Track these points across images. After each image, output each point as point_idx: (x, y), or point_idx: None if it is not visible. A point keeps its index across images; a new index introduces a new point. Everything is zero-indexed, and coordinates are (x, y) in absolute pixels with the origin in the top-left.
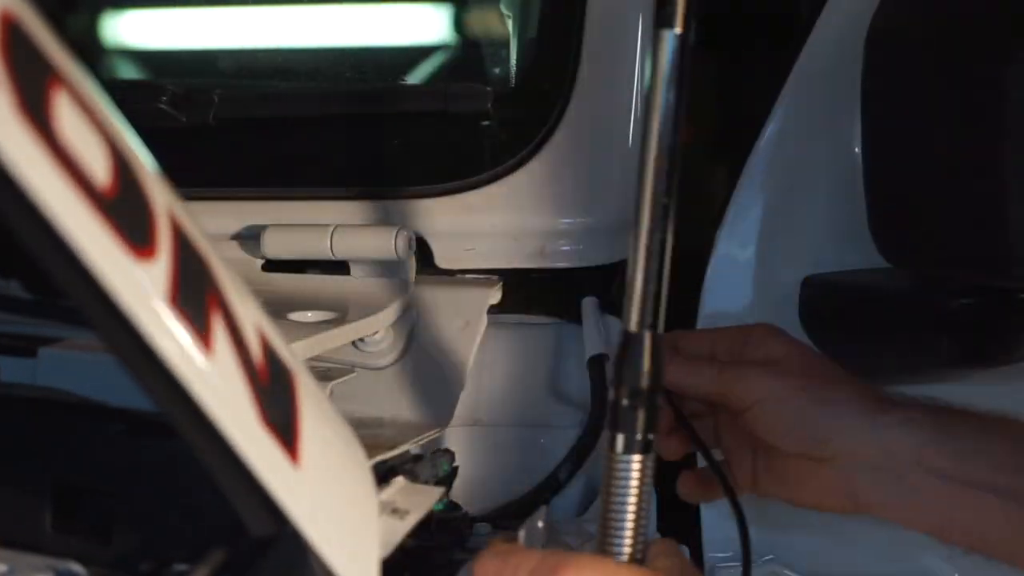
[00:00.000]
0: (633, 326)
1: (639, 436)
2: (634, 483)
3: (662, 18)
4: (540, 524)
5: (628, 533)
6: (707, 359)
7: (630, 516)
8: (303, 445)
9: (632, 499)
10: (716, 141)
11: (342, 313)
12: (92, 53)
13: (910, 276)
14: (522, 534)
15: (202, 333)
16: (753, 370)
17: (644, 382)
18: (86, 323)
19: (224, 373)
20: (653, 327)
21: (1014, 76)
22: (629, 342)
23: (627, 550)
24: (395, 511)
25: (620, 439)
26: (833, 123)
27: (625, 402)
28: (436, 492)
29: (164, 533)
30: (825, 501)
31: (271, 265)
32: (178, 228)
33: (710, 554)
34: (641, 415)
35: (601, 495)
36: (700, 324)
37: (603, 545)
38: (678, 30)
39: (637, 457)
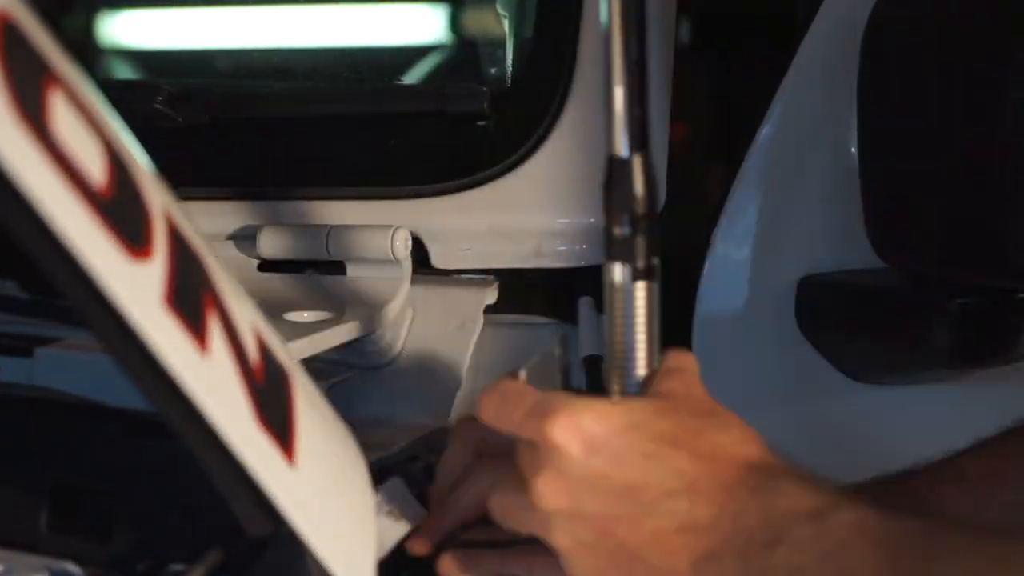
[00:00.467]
0: (621, 150)
1: (640, 263)
2: (641, 312)
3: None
4: (523, 374)
5: (641, 364)
6: None
7: (641, 348)
8: (299, 445)
9: (642, 330)
10: (712, 141)
11: (338, 313)
12: (88, 53)
13: (906, 276)
14: (522, 373)
15: (198, 333)
16: None
17: (640, 208)
18: (82, 323)
19: (220, 373)
20: (643, 148)
21: (1013, 75)
22: (617, 168)
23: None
24: (391, 512)
25: (619, 269)
26: (829, 123)
27: (623, 230)
28: None
29: (161, 533)
30: None
31: (267, 265)
32: (174, 228)
33: None
34: (640, 241)
35: (607, 331)
36: (696, 324)
37: (616, 382)
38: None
39: (641, 284)
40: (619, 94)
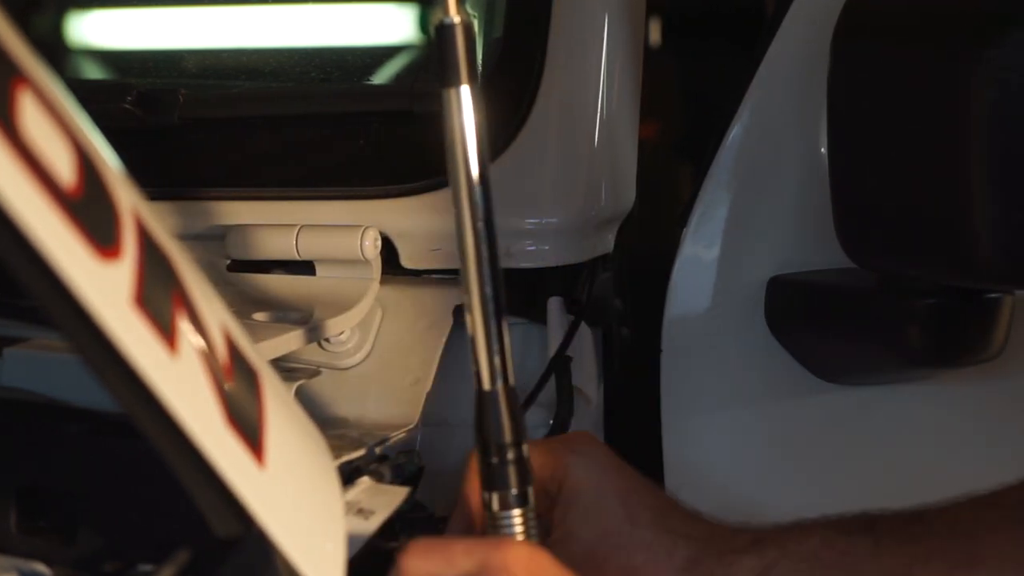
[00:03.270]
0: (485, 384)
1: (514, 490)
2: (520, 537)
3: (447, 78)
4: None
5: None
6: None
7: None
8: (268, 446)
9: None
10: (682, 140)
11: (307, 313)
12: (57, 53)
13: (876, 276)
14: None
15: (167, 334)
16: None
17: (507, 437)
18: (50, 323)
19: (189, 374)
20: (504, 381)
21: (981, 75)
22: (484, 400)
23: None
24: (360, 511)
25: (496, 498)
26: (799, 123)
27: (494, 460)
28: (402, 492)
29: (129, 534)
30: None
31: (236, 265)
32: (143, 229)
33: None
34: (512, 470)
35: None
36: (666, 324)
37: None
38: (464, 84)
39: (517, 511)
40: (479, 329)
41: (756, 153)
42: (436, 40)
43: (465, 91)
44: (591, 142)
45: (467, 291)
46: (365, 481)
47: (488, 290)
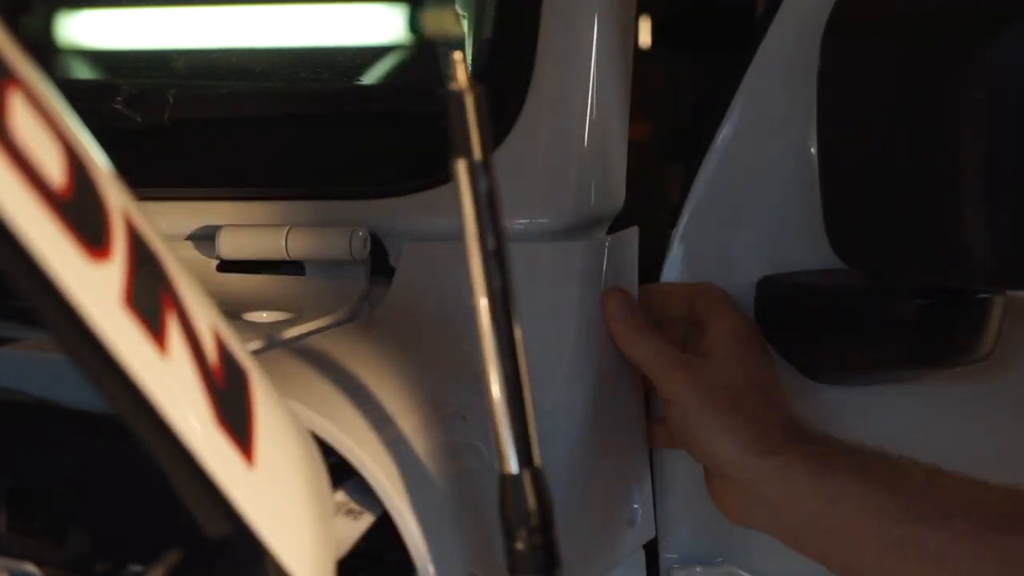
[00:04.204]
0: (510, 468)
1: (546, 575)
2: None
3: (457, 147)
4: None
5: None
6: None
7: None
8: (258, 446)
9: None
10: (671, 141)
11: (297, 313)
12: (47, 53)
13: (866, 277)
14: None
15: (157, 334)
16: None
17: (535, 522)
18: (40, 324)
19: (179, 374)
20: (529, 464)
21: (971, 75)
22: (508, 484)
23: None
24: (350, 512)
25: None
26: (789, 123)
27: (520, 546)
28: None
29: (119, 534)
30: (726, 501)
31: (226, 265)
32: (133, 229)
33: (665, 555)
34: (542, 555)
35: None
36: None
37: None
38: (476, 157)
39: None
40: (500, 412)
41: (746, 153)
42: (447, 109)
43: (477, 161)
44: (581, 142)
45: (486, 371)
46: (354, 481)
47: (509, 369)
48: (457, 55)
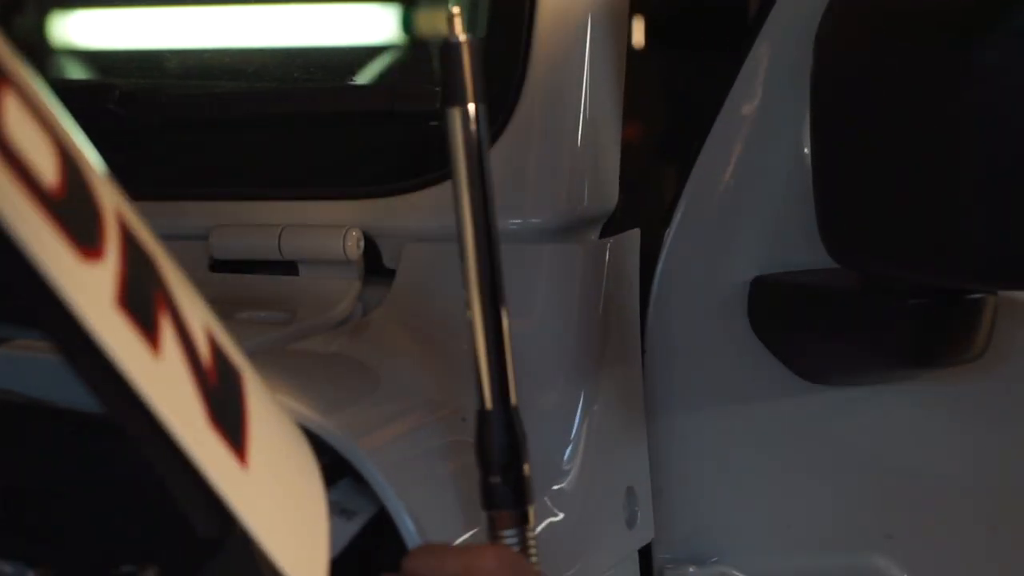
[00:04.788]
0: (487, 403)
1: (518, 509)
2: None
3: (452, 97)
4: None
5: None
6: None
7: None
8: (251, 446)
9: None
10: (665, 140)
11: (290, 313)
12: (40, 53)
13: (860, 277)
14: None
15: (150, 334)
16: None
17: (509, 457)
18: (32, 324)
19: (172, 374)
20: (505, 402)
21: (968, 76)
22: (486, 420)
23: None
24: (343, 511)
25: (496, 517)
26: (782, 123)
27: (495, 480)
28: None
29: (112, 534)
30: None
31: (219, 265)
32: (126, 229)
33: (658, 554)
34: (513, 490)
35: None
36: (649, 324)
37: None
38: (470, 106)
39: (517, 530)
40: (482, 350)
41: (739, 153)
42: (441, 59)
43: (471, 110)
44: (574, 142)
45: (470, 313)
46: (348, 481)
47: (492, 313)
48: (455, 8)
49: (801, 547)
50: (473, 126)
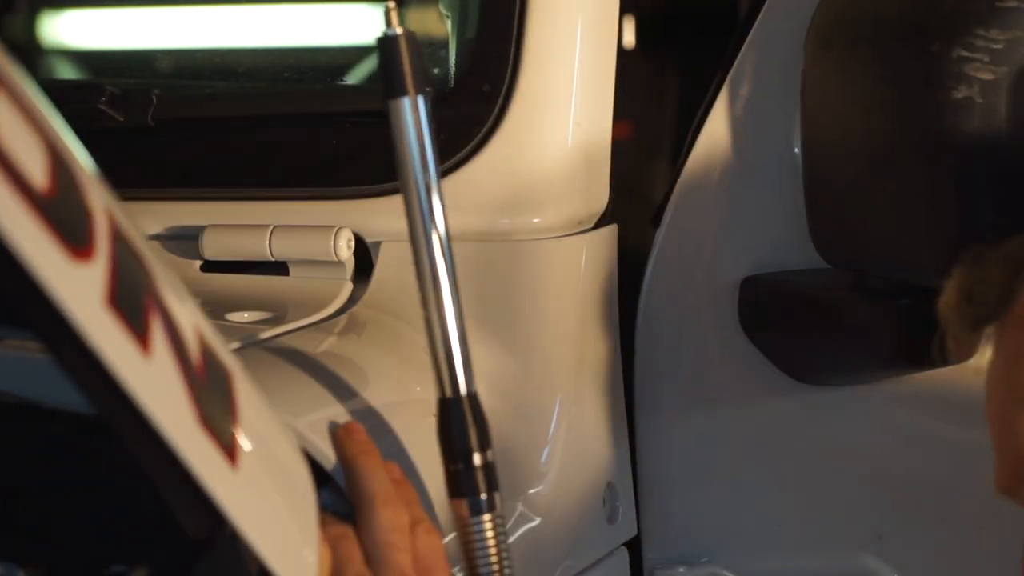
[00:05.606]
0: (447, 391)
1: (484, 495)
2: (491, 542)
3: (392, 89)
4: None
5: None
6: None
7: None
8: (241, 447)
9: (494, 558)
10: (655, 141)
11: (281, 314)
12: (30, 53)
13: (850, 277)
14: None
15: (140, 334)
16: None
17: (472, 443)
18: (23, 324)
19: (162, 374)
20: (467, 387)
21: (951, 77)
22: (447, 407)
23: None
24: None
25: (463, 504)
26: (772, 123)
27: (460, 467)
28: None
29: (102, 534)
30: None
31: (210, 266)
32: (116, 229)
33: (648, 555)
34: (479, 476)
35: (462, 563)
36: (639, 324)
37: None
38: (410, 97)
39: (487, 516)
40: (438, 337)
41: (729, 153)
42: (380, 53)
43: (408, 102)
44: (565, 142)
45: (425, 300)
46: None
47: (447, 298)
48: (391, 3)
49: (792, 547)
50: (414, 116)
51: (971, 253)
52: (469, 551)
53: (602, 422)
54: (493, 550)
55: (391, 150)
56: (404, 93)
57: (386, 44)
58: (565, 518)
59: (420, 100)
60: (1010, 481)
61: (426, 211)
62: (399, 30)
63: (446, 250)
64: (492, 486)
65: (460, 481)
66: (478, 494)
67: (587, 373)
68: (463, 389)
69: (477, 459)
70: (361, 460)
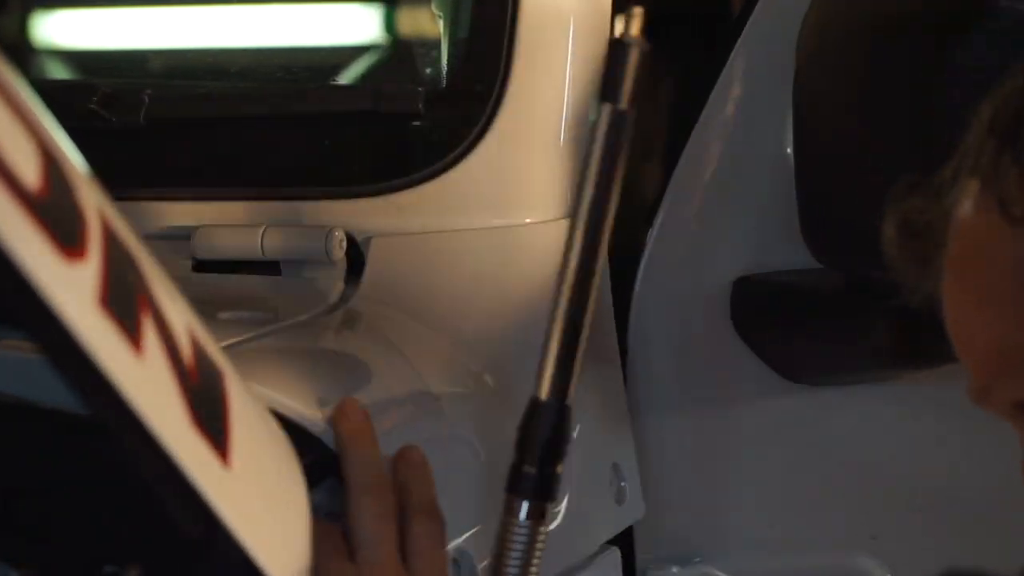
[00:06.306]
0: (543, 394)
1: (540, 503)
2: (528, 548)
3: (607, 92)
4: None
5: None
6: None
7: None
8: (233, 446)
9: (529, 566)
10: (648, 140)
11: (273, 313)
12: (22, 53)
13: (842, 277)
14: None
15: (132, 334)
16: None
17: (549, 451)
18: (15, 323)
19: (154, 374)
20: (561, 397)
21: (947, 77)
22: (537, 409)
23: None
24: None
25: (524, 505)
26: (765, 123)
27: (529, 469)
28: None
29: (96, 534)
30: None
31: (202, 265)
32: (108, 229)
33: (641, 555)
34: (547, 483)
35: (491, 559)
36: (631, 324)
37: None
38: (623, 106)
39: (532, 523)
40: (555, 342)
41: (722, 153)
42: (610, 54)
43: (618, 111)
44: (556, 142)
45: (556, 304)
46: (332, 481)
47: (577, 309)
48: (637, 10)
49: (785, 547)
50: (616, 127)
51: (902, 185)
52: (505, 550)
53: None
54: (527, 556)
55: (585, 153)
56: (617, 101)
57: (618, 48)
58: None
59: (628, 113)
60: (980, 382)
61: (589, 216)
62: (636, 38)
63: (595, 262)
64: (550, 496)
65: (525, 482)
66: (537, 499)
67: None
68: (560, 396)
69: (549, 468)
70: (349, 446)
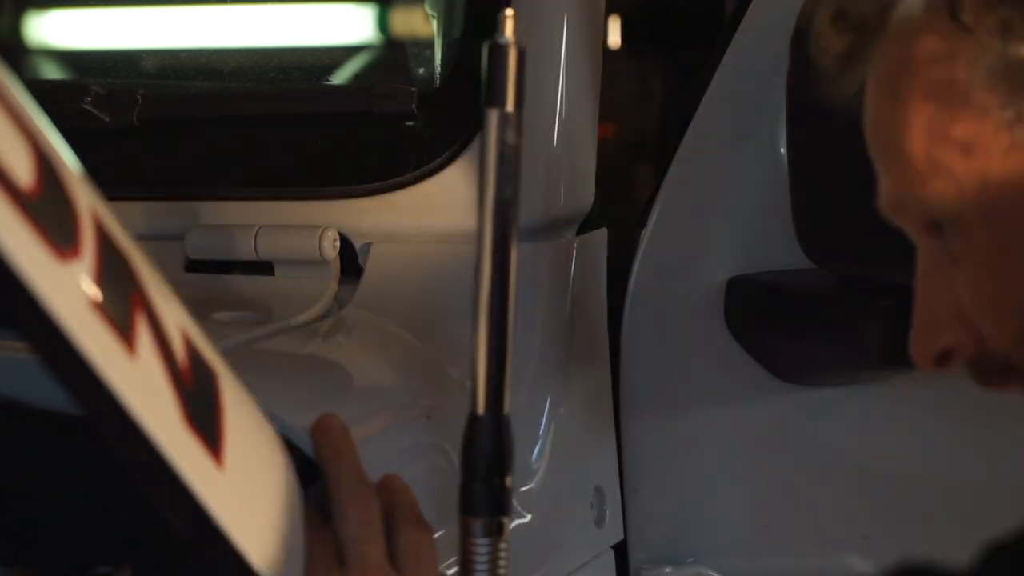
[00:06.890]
0: (479, 408)
1: (494, 518)
2: (492, 565)
3: (491, 97)
4: None
5: None
6: None
7: None
8: (227, 447)
9: None
10: (641, 141)
11: (266, 314)
12: (16, 53)
13: (836, 277)
14: None
15: (125, 334)
16: None
17: (494, 465)
18: (8, 324)
19: (147, 374)
20: (497, 409)
21: None
22: (476, 425)
23: None
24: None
25: (477, 523)
26: (758, 123)
27: (478, 486)
28: None
29: (88, 535)
30: None
31: (195, 266)
32: (102, 229)
33: (634, 555)
34: (493, 499)
35: None
36: (625, 325)
37: None
38: (508, 108)
39: (494, 540)
40: (482, 354)
41: (715, 153)
42: (488, 59)
43: (505, 115)
44: (550, 142)
45: (476, 316)
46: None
47: (498, 319)
48: (508, 11)
49: (778, 547)
50: (505, 130)
51: None
52: (468, 569)
53: (590, 425)
54: (492, 573)
55: (479, 159)
56: (501, 104)
57: (495, 52)
58: (554, 517)
59: (515, 115)
60: (897, 190)
61: (495, 224)
62: (511, 40)
63: (508, 268)
64: (504, 510)
65: (475, 499)
66: (490, 516)
67: (575, 374)
68: (497, 409)
69: (496, 482)
70: (331, 461)
